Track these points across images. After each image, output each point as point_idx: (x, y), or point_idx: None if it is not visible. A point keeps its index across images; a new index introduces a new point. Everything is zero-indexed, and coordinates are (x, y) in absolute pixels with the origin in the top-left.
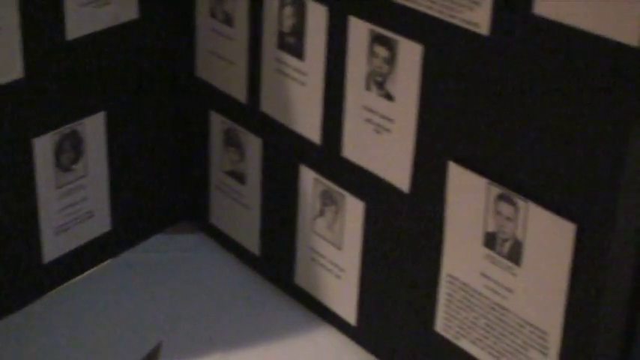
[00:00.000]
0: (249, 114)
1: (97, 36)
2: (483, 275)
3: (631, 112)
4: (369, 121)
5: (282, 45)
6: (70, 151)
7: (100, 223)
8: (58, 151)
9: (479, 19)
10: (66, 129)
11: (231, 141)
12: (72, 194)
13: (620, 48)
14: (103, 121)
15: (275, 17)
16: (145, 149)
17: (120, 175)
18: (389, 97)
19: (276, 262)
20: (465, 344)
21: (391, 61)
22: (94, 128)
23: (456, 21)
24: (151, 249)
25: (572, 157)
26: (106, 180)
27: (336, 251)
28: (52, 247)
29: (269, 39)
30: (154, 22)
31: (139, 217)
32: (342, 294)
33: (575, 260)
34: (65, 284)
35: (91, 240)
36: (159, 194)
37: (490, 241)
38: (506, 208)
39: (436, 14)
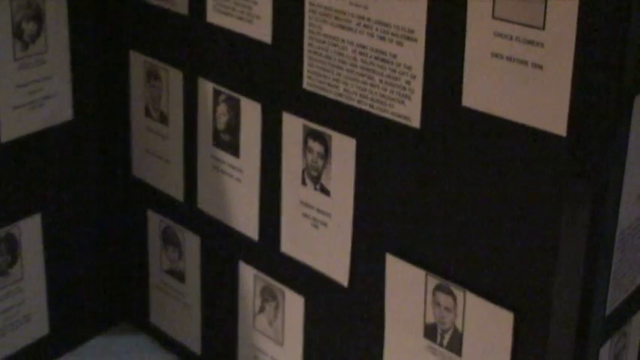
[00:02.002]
0: (187, 212)
1: (31, 137)
2: None
3: (562, 199)
4: (306, 215)
5: (218, 142)
6: (6, 255)
7: (38, 327)
8: None
9: (410, 112)
10: (1, 232)
11: (170, 239)
12: (8, 298)
13: (548, 138)
14: (39, 223)
15: (210, 115)
16: (83, 250)
17: (57, 277)
18: (325, 191)
19: None
20: None
21: (325, 155)
22: (29, 231)
23: (387, 115)
24: (91, 352)
25: (507, 245)
26: (43, 283)
27: (277, 347)
28: None
29: (204, 137)
30: (88, 122)
31: (77, 320)
32: None
33: (515, 349)
34: None
35: (28, 345)
36: (97, 295)
37: (430, 332)
38: (444, 299)
39: (368, 108)
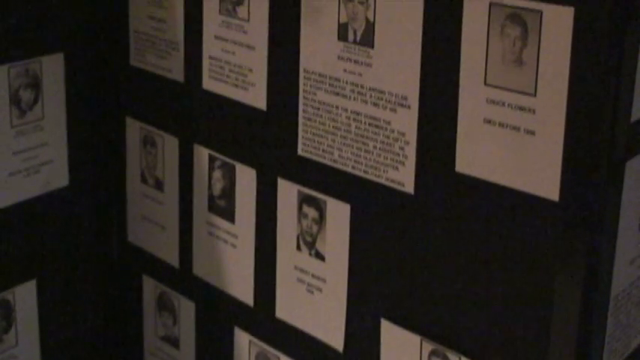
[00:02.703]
0: (182, 278)
1: (27, 204)
2: None
3: (555, 264)
4: (301, 281)
5: (213, 208)
6: (1, 321)
7: None
8: None
9: (404, 178)
10: None
11: (165, 305)
12: None
13: (541, 203)
14: (34, 290)
15: (205, 181)
16: (78, 316)
17: (52, 343)
18: (320, 256)
19: None
20: None
21: (320, 221)
22: (24, 297)
23: (381, 180)
24: None
25: (501, 311)
26: (37, 349)
27: None
28: None
29: (199, 202)
30: (84, 188)
31: None
32: None
33: None
34: None
35: None
36: None
37: None
38: None
39: (362, 174)
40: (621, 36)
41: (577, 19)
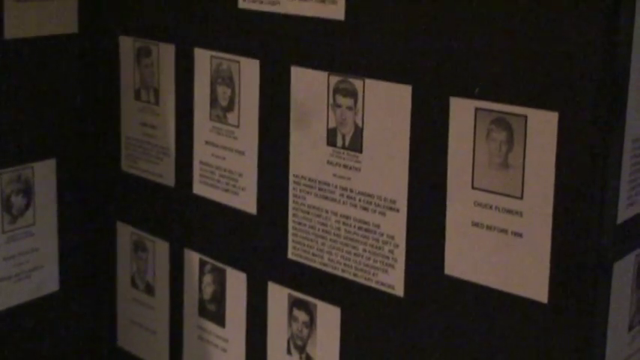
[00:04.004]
0: None
1: (17, 309)
2: None
3: None
4: None
5: (203, 312)
6: None
7: None
8: None
9: (394, 281)
10: None
11: None
12: None
13: (530, 305)
14: None
15: (195, 285)
16: None
17: None
18: None
19: None
20: None
21: (311, 324)
22: None
23: (371, 283)
24: None
25: None
26: None
27: None
28: None
29: (190, 307)
30: (74, 293)
31: None
32: None
33: None
34: None
35: None
36: None
37: None
38: None
39: (352, 277)
40: (605, 139)
41: (561, 124)
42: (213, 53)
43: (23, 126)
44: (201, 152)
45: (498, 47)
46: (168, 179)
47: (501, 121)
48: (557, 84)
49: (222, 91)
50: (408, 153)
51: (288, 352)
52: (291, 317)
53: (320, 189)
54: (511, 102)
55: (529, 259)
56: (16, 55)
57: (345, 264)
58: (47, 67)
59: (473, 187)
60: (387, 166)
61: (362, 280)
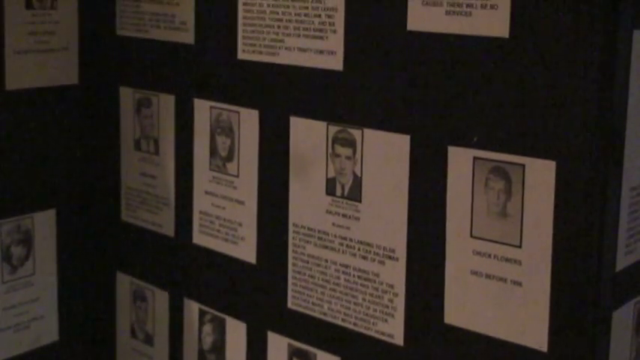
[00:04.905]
0: None
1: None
2: None
3: None
4: None
5: None
6: None
7: None
8: None
9: (393, 330)
10: None
11: None
12: None
13: (530, 353)
14: None
15: (195, 335)
16: None
17: None
18: None
19: None
20: None
21: None
22: None
23: (371, 332)
24: None
25: None
26: None
27: None
28: None
29: (190, 357)
30: (74, 343)
31: None
32: None
33: None
34: None
35: None
36: None
37: None
38: None
39: (352, 327)
40: (603, 187)
41: (559, 172)
42: (213, 104)
43: (23, 176)
44: (200, 202)
45: (495, 97)
46: (168, 229)
47: (499, 170)
48: (555, 133)
49: (222, 141)
50: (407, 202)
51: None
52: None
53: (319, 238)
54: (509, 151)
55: (528, 307)
56: (17, 105)
57: (344, 313)
58: (48, 118)
59: (472, 236)
60: (386, 215)
61: (362, 330)
